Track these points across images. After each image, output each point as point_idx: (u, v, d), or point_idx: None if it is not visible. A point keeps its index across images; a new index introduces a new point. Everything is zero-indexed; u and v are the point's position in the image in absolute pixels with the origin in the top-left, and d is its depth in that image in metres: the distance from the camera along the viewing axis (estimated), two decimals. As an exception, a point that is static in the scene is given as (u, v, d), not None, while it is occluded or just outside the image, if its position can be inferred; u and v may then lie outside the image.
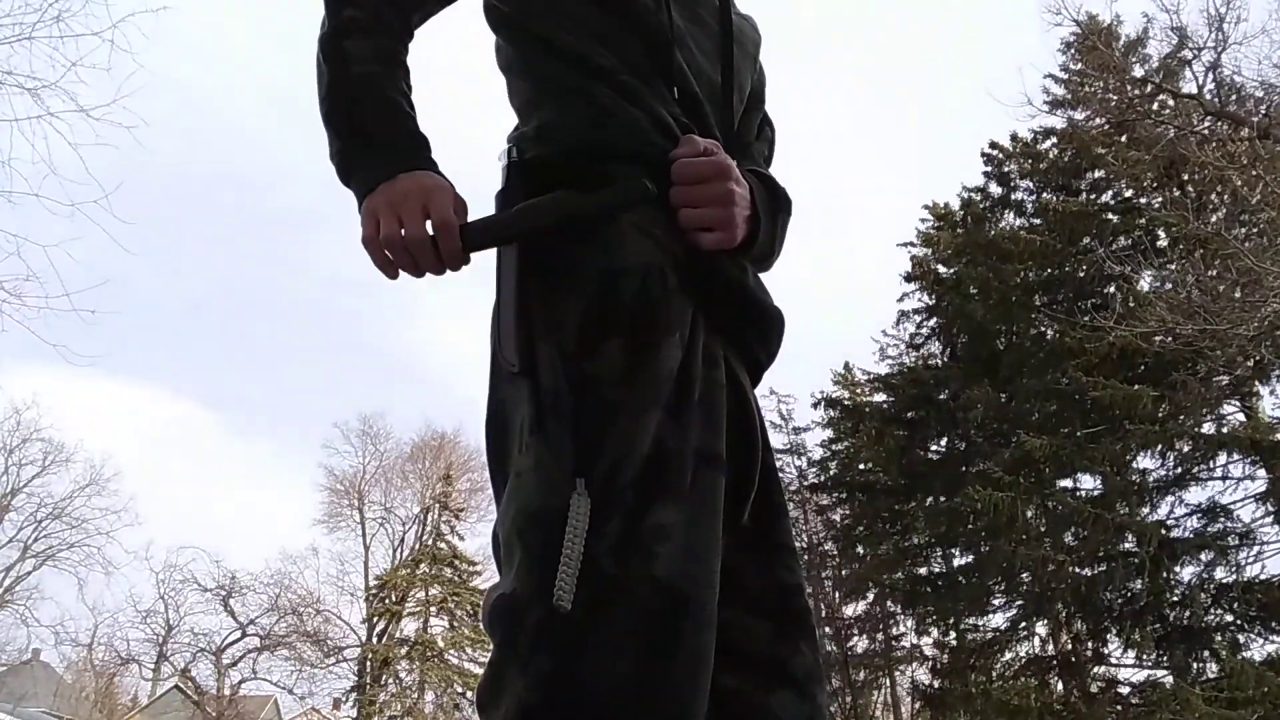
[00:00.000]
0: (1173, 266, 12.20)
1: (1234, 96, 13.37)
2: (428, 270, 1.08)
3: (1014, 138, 17.67)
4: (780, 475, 1.24)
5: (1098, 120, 16.13)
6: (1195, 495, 14.43)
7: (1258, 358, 11.81)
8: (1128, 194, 16.39)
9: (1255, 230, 11.77)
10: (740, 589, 1.12)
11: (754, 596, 1.13)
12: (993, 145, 17.91)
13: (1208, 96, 13.52)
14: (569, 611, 0.91)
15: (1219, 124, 13.57)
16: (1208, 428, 14.47)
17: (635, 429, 0.99)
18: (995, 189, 18.03)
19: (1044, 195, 17.19)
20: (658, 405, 1.00)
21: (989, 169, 18.02)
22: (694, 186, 1.12)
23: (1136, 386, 13.53)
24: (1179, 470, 14.49)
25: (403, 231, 1.06)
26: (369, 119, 1.13)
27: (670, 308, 1.05)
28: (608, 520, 0.96)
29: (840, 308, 37.72)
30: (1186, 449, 14.37)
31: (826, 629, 21.14)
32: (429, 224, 1.06)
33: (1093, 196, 16.63)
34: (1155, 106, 14.58)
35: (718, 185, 1.13)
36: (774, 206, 1.24)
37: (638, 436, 0.99)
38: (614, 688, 0.93)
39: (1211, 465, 14.24)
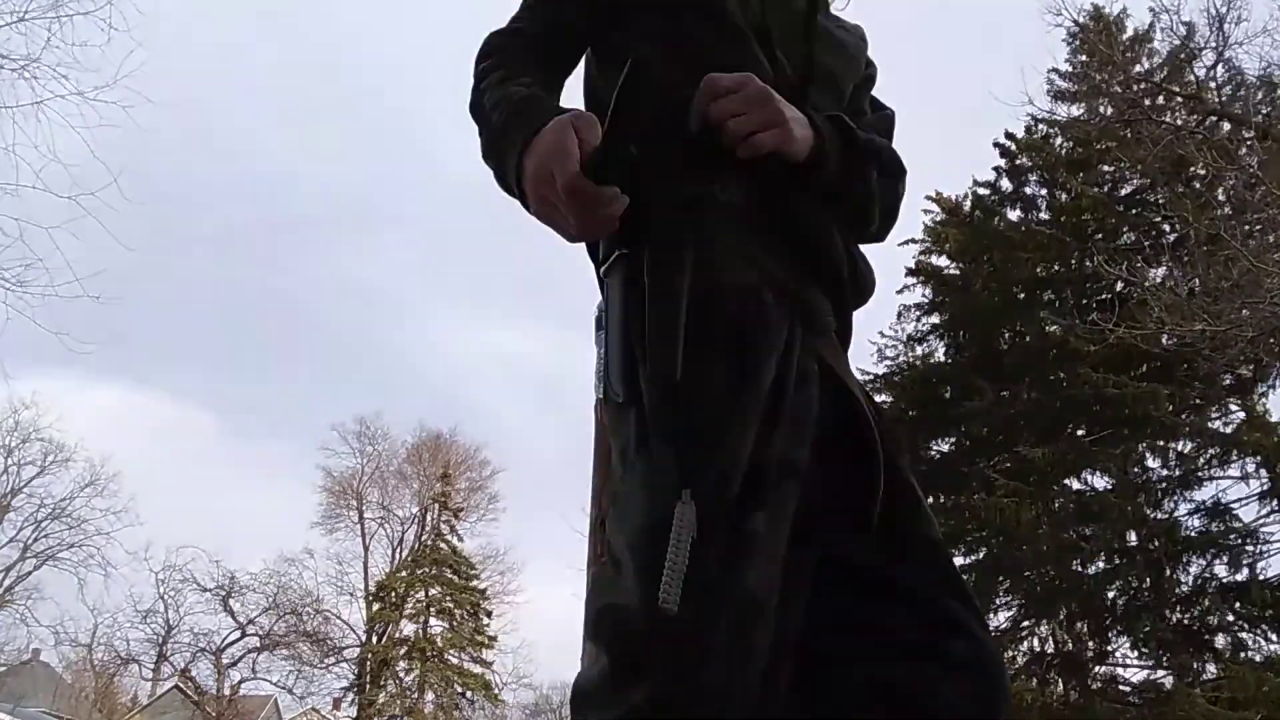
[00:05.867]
0: (1172, 266, 12.20)
1: (1240, 94, 13.36)
2: (589, 230, 1.06)
3: (1028, 130, 17.65)
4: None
5: (1098, 117, 16.13)
6: (1198, 495, 14.44)
7: (1258, 359, 11.80)
8: (1127, 191, 16.41)
9: (1258, 229, 11.75)
10: (884, 585, 1.13)
11: (900, 591, 1.12)
12: (1008, 135, 17.83)
13: (1209, 95, 13.52)
14: (681, 619, 0.93)
15: (1220, 123, 13.56)
16: (1213, 427, 14.47)
17: (739, 443, 1.02)
18: (1005, 184, 17.99)
19: (1051, 190, 17.18)
20: (757, 420, 1.03)
21: (1002, 161, 17.95)
22: (729, 97, 1.12)
23: (1147, 385, 13.53)
24: (1181, 470, 14.49)
25: (549, 211, 1.07)
26: (495, 115, 1.17)
27: (768, 328, 1.08)
28: (716, 528, 0.97)
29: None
30: (1191, 448, 14.38)
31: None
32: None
33: (1096, 192, 16.61)
34: (1160, 101, 14.57)
35: (750, 90, 1.12)
36: (858, 144, 1.23)
37: (741, 450, 1.01)
38: (726, 693, 0.96)
39: (1218, 464, 14.24)
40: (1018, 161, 17.89)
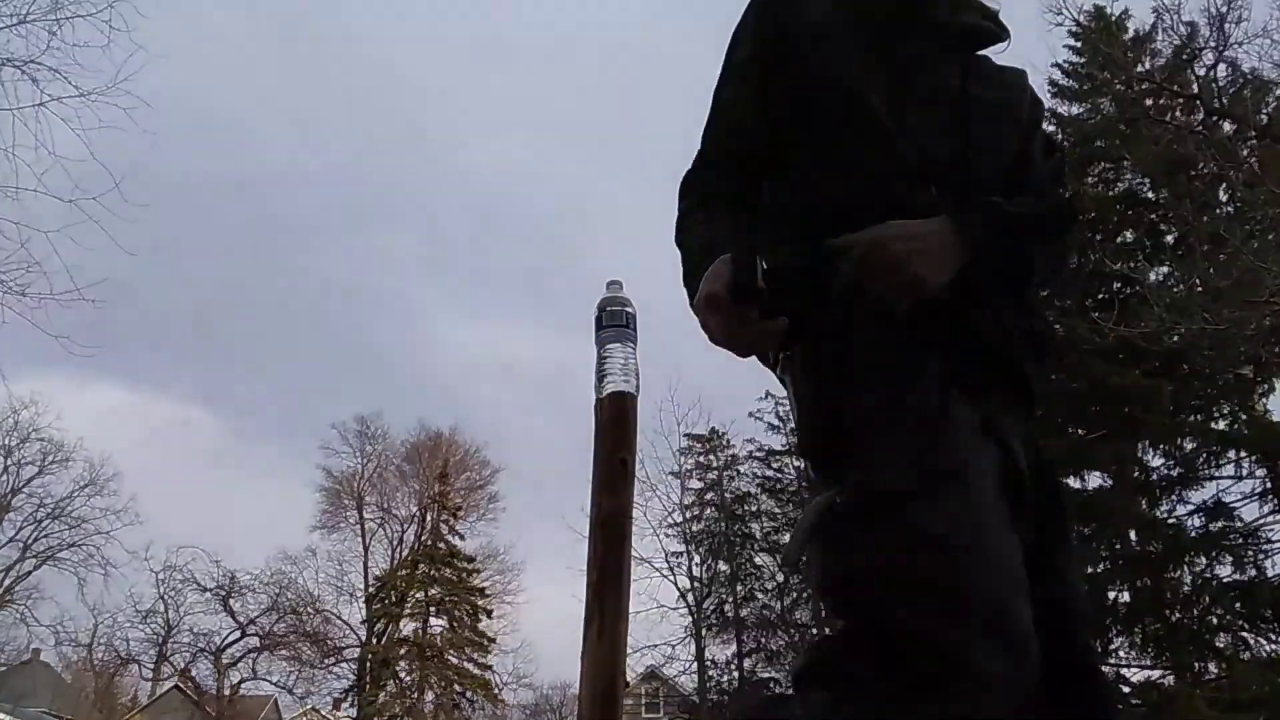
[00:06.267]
0: (1173, 265, 12.21)
1: (1244, 94, 13.34)
2: (733, 340, 1.23)
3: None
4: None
5: (1099, 116, 16.12)
6: (1198, 495, 14.42)
7: (1258, 359, 11.79)
8: (1127, 189, 16.41)
9: (1258, 229, 11.75)
10: None
11: None
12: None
13: (1210, 96, 13.50)
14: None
15: (1220, 123, 13.54)
16: (1214, 426, 14.46)
17: (890, 453, 1.12)
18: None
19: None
20: (907, 435, 1.13)
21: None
22: (870, 271, 1.20)
23: (1149, 380, 13.52)
24: (1180, 469, 14.47)
25: (707, 331, 1.25)
26: (695, 252, 1.35)
27: (924, 369, 1.18)
28: (862, 513, 1.09)
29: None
30: (1192, 447, 14.36)
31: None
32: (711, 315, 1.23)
33: (1097, 190, 16.60)
34: (1161, 102, 14.54)
35: (883, 263, 1.19)
36: (1014, 231, 1.27)
37: (889, 456, 1.11)
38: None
39: (1215, 463, 14.22)
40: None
